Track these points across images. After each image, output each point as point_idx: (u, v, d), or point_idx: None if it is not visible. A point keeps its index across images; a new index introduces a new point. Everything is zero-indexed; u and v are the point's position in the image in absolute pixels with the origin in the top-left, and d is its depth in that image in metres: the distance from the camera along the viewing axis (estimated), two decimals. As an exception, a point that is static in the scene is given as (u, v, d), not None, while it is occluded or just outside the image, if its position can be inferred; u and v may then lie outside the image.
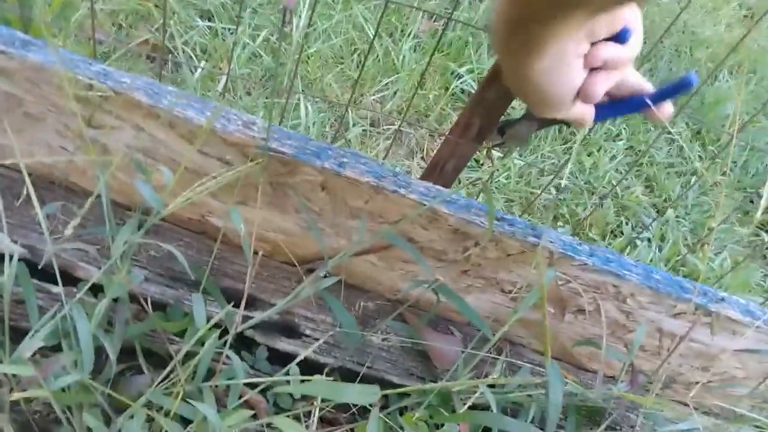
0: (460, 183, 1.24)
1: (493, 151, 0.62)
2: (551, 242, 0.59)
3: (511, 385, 0.73)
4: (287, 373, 0.61)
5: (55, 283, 0.67)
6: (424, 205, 0.57)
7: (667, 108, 0.49)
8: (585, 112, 0.47)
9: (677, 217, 1.40)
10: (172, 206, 0.53)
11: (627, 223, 1.33)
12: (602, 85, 0.43)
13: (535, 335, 0.78)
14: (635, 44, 0.46)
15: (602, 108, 0.51)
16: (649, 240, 1.32)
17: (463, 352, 0.75)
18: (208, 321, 0.60)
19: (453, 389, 0.63)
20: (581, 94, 0.43)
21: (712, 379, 0.78)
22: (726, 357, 0.73)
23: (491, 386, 0.73)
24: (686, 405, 0.82)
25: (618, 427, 0.75)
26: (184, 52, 1.10)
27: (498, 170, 1.16)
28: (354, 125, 1.21)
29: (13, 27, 0.57)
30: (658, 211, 1.39)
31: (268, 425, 0.63)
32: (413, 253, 0.58)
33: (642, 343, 0.70)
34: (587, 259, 0.60)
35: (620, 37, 0.45)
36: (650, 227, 1.33)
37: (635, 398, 0.60)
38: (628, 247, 1.26)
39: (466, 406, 0.59)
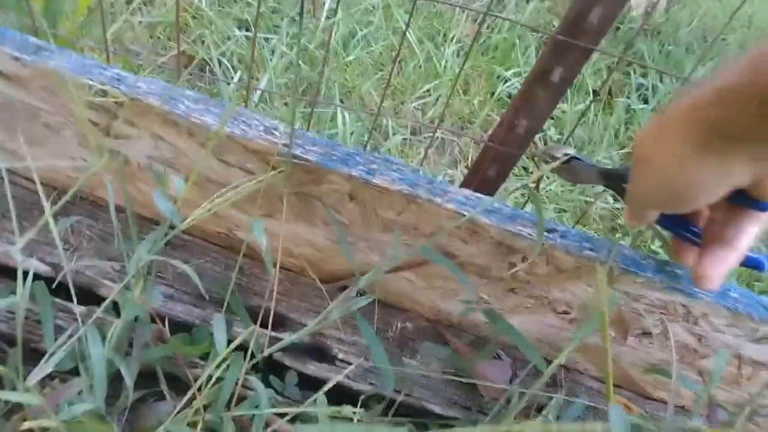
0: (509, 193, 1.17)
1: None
2: (611, 257, 0.52)
3: (567, 418, 0.66)
4: (316, 401, 0.55)
5: (85, 302, 0.64)
6: (463, 215, 0.51)
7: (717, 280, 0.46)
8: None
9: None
10: (190, 219, 0.49)
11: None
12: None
13: (593, 361, 0.70)
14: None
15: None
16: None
17: (512, 380, 0.68)
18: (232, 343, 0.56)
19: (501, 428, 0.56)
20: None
21: (802, 411, 0.69)
22: (820, 388, 0.64)
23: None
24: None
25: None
26: (220, 63, 1.08)
27: (547, 177, 1.08)
28: (394, 134, 1.16)
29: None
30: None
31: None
32: (451, 268, 0.52)
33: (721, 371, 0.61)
34: (653, 275, 0.53)
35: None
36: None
37: (715, 434, 0.51)
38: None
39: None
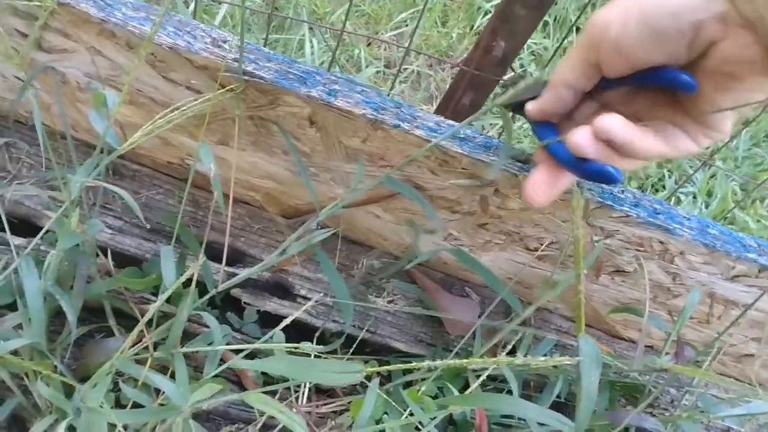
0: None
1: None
2: (587, 189, 0.49)
3: (536, 355, 0.65)
4: (273, 337, 0.53)
5: (29, 234, 0.60)
6: (431, 142, 0.47)
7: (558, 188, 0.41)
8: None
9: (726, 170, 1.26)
10: (129, 142, 0.44)
11: (670, 176, 1.20)
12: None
13: (564, 299, 0.69)
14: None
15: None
16: (694, 196, 1.19)
17: (480, 318, 0.66)
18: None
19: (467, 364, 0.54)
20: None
21: (769, 351, 0.68)
22: (789, 327, 0.63)
23: (512, 354, 0.64)
24: (740, 381, 0.72)
25: (659, 407, 0.66)
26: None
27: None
28: (367, 66, 1.10)
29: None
30: (704, 164, 1.26)
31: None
32: (419, 200, 0.48)
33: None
34: (631, 210, 0.50)
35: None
36: (695, 181, 1.20)
37: (685, 370, 0.49)
38: (671, 201, 1.14)
39: (480, 380, 0.51)
